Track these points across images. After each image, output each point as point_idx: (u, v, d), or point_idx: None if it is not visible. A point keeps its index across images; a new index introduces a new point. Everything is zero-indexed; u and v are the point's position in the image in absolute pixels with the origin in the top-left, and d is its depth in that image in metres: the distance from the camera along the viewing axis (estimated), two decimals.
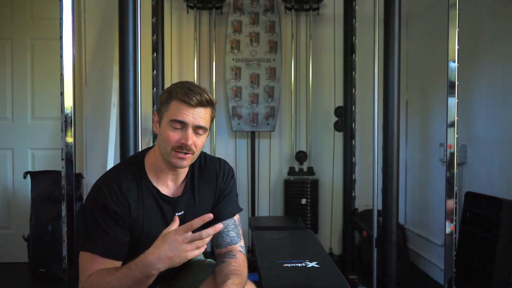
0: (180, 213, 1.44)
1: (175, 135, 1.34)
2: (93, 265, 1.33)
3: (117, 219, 1.35)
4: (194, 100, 1.33)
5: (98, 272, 1.32)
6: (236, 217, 1.59)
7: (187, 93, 1.33)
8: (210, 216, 1.23)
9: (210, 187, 1.52)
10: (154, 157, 1.43)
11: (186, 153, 1.36)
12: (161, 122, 1.38)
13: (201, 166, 1.52)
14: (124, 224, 1.36)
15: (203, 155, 1.55)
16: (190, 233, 1.21)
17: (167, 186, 1.44)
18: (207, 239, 1.23)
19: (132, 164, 1.44)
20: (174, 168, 1.40)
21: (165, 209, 1.43)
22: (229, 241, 1.51)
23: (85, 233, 1.37)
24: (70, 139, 2.13)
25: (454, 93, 2.26)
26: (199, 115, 1.35)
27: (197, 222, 1.21)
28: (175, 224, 1.27)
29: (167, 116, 1.35)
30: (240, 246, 1.51)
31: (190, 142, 1.34)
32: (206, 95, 1.36)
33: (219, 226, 1.25)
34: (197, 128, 1.36)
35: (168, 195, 1.44)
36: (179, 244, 1.21)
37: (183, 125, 1.34)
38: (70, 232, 2.12)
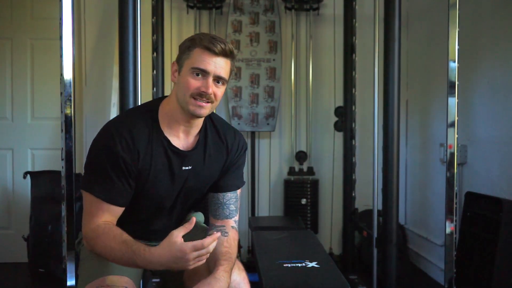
0: (187, 168, 1.43)
1: (195, 83, 1.33)
2: (98, 210, 1.35)
3: (125, 168, 1.33)
4: (218, 48, 1.33)
5: (105, 230, 1.32)
6: (238, 190, 1.58)
7: (211, 41, 1.34)
8: (218, 235, 1.31)
9: (221, 154, 1.50)
10: (168, 106, 1.41)
11: (206, 102, 1.35)
12: (181, 70, 1.36)
13: (217, 130, 1.51)
14: (131, 173, 1.35)
15: (220, 119, 1.56)
16: (196, 246, 1.22)
17: (178, 138, 1.42)
18: (212, 248, 1.25)
19: (146, 112, 1.41)
20: (189, 118, 1.39)
21: (173, 161, 1.41)
22: (227, 214, 1.51)
23: (89, 174, 1.36)
24: (70, 139, 2.13)
25: (454, 93, 2.26)
26: (221, 65, 1.34)
27: (208, 241, 1.23)
28: (189, 226, 1.26)
29: (188, 64, 1.34)
30: (234, 221, 1.52)
31: (210, 91, 1.33)
32: (229, 45, 1.37)
33: (216, 235, 1.27)
34: (217, 78, 1.35)
35: (179, 147, 1.41)
36: (184, 257, 1.22)
37: (205, 73, 1.33)
38: (70, 232, 2.12)
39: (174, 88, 1.40)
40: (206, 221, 1.62)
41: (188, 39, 1.39)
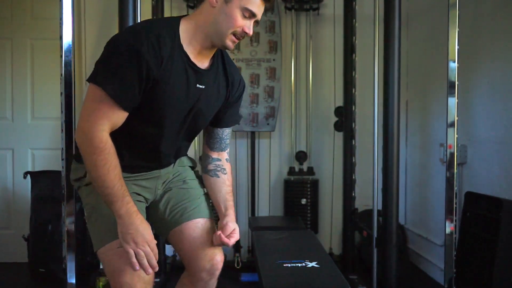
0: (201, 86, 1.44)
1: (243, 22, 1.37)
2: (107, 111, 1.30)
3: (145, 73, 1.30)
4: None
5: (111, 151, 1.30)
6: None
7: None
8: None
9: (226, 86, 1.55)
10: (191, 26, 1.40)
11: (239, 40, 1.41)
12: (229, 3, 1.36)
13: (224, 61, 1.54)
14: (148, 80, 1.32)
15: (228, 54, 1.58)
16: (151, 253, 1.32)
17: (195, 56, 1.42)
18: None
19: (169, 25, 1.39)
20: (213, 45, 1.41)
21: (190, 76, 1.41)
22: (223, 147, 1.64)
23: (103, 69, 1.30)
24: (70, 139, 2.14)
25: (454, 93, 2.27)
26: (262, 12, 1.40)
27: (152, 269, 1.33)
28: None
29: (241, 2, 1.35)
30: (227, 154, 1.66)
31: (251, 33, 1.39)
32: None
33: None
34: (255, 22, 1.40)
35: (196, 64, 1.42)
36: (141, 244, 1.31)
37: (252, 16, 1.37)
38: (70, 232, 2.13)
39: (206, 11, 1.40)
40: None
41: None
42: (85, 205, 1.51)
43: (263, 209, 3.51)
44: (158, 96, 1.36)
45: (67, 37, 2.11)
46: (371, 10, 2.62)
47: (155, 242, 1.35)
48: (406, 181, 3.51)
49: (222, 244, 1.53)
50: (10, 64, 3.35)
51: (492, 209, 2.34)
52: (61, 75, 2.11)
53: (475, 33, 2.67)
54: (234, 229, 1.55)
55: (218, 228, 1.57)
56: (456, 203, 2.28)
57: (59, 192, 2.18)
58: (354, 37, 3.17)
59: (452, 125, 2.27)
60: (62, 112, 2.13)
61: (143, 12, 2.27)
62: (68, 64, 2.12)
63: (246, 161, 3.47)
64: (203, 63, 1.44)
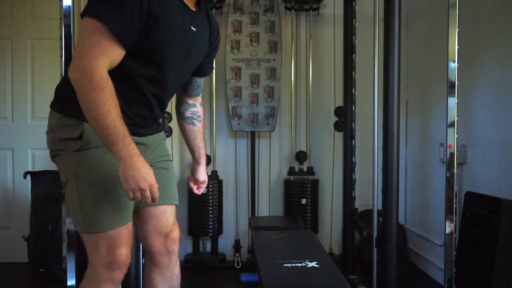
0: (194, 29, 1.44)
1: None
2: (100, 39, 1.22)
3: (146, 7, 1.26)
4: None
5: (112, 89, 1.24)
6: None
7: None
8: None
9: (210, 32, 1.58)
10: None
11: None
12: None
13: (208, 10, 1.57)
14: (148, 15, 1.27)
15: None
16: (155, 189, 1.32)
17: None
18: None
19: None
20: None
21: (185, 18, 1.40)
22: (198, 92, 1.75)
23: (101, 1, 1.25)
24: None
25: (454, 93, 2.27)
26: None
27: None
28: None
29: None
30: (200, 97, 1.79)
31: None
32: None
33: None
34: None
35: (188, 5, 1.43)
36: (143, 184, 1.28)
37: None
38: (70, 232, 2.13)
39: None
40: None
41: None
42: (74, 176, 1.38)
43: (263, 209, 3.51)
44: (158, 35, 1.32)
45: (67, 37, 2.11)
46: (371, 10, 2.62)
47: (157, 185, 1.32)
48: (406, 181, 3.51)
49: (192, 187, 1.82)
50: (10, 64, 3.36)
51: (492, 209, 2.35)
52: (61, 75, 2.11)
53: (475, 33, 2.67)
54: (204, 181, 1.82)
55: (191, 173, 1.83)
56: (456, 203, 2.28)
57: (59, 192, 2.18)
58: (354, 37, 3.17)
59: (452, 125, 2.27)
60: None
61: None
62: (68, 64, 2.12)
63: (246, 161, 3.47)
64: (192, 6, 1.44)
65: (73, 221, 1.45)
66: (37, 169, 3.27)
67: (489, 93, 2.57)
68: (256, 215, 3.42)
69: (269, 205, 3.54)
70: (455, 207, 2.28)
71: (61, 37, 2.10)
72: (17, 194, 3.36)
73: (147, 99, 1.45)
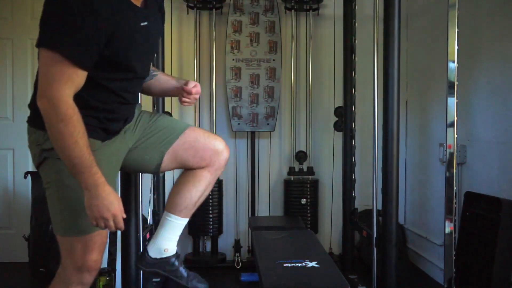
0: (144, 24, 1.42)
1: None
2: (61, 67, 1.22)
3: (100, 23, 1.23)
4: None
5: (79, 118, 1.26)
6: None
7: None
8: None
9: (160, 15, 1.62)
10: None
11: None
12: None
13: None
14: (104, 31, 1.25)
15: None
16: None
17: None
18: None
19: None
20: None
21: (137, 18, 1.39)
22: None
23: (54, 27, 1.23)
24: None
25: (454, 93, 2.27)
26: None
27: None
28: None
29: None
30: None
31: None
32: None
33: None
34: None
35: (135, 3, 1.40)
36: (107, 214, 1.31)
37: None
38: None
39: None
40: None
41: None
42: (55, 182, 1.42)
43: (263, 209, 3.51)
44: (118, 46, 1.32)
45: None
46: (371, 10, 2.63)
47: (123, 215, 1.35)
48: (406, 181, 3.51)
49: (188, 103, 1.66)
50: (10, 64, 3.36)
51: (492, 209, 2.35)
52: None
53: (474, 33, 2.67)
54: (195, 85, 1.66)
55: (179, 94, 1.68)
56: (455, 203, 2.28)
57: None
58: (354, 37, 3.17)
59: (451, 125, 2.27)
60: None
61: None
62: None
63: (246, 161, 3.47)
64: (138, 3, 1.43)
65: (52, 224, 1.48)
66: None
67: (488, 93, 2.57)
68: (256, 215, 3.42)
69: (269, 205, 3.54)
70: (455, 207, 2.28)
71: None
72: (18, 194, 3.36)
73: (121, 96, 1.48)
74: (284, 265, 1.83)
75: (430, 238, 3.12)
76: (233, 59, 3.33)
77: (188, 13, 3.42)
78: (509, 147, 2.39)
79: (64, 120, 1.23)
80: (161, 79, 1.72)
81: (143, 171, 1.86)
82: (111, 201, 1.32)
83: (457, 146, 2.29)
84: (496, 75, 2.52)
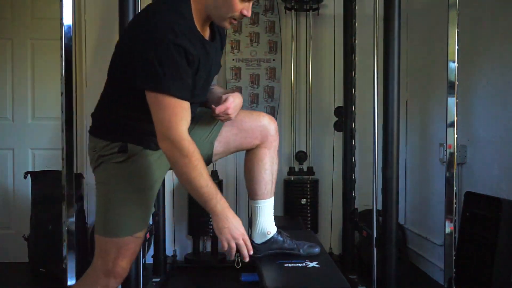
0: (213, 58, 1.52)
1: (241, 6, 1.40)
2: (174, 109, 1.35)
3: (191, 60, 1.35)
4: None
5: (197, 150, 1.38)
6: None
7: None
8: None
9: (220, 46, 1.64)
10: (201, 7, 1.43)
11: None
12: None
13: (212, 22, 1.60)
14: (193, 65, 1.38)
15: None
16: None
17: (201, 31, 1.46)
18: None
19: (181, 6, 1.40)
20: (210, 20, 1.48)
21: (207, 51, 1.47)
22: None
23: (160, 72, 1.32)
24: (70, 139, 2.14)
25: (454, 93, 2.27)
26: None
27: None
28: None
29: None
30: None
31: (249, 15, 1.42)
32: None
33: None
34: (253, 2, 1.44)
35: (205, 38, 1.48)
36: (234, 238, 1.46)
37: None
38: (70, 232, 2.13)
39: None
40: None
41: None
42: (106, 184, 1.52)
43: None
44: (197, 76, 1.43)
45: (67, 37, 2.11)
46: (371, 10, 2.63)
47: (247, 235, 1.49)
48: (406, 181, 3.51)
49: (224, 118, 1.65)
50: (10, 64, 3.36)
51: (492, 209, 2.35)
52: (61, 75, 2.11)
53: (474, 34, 2.67)
54: (227, 98, 1.63)
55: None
56: (455, 203, 2.28)
57: (59, 192, 2.18)
58: (354, 37, 3.17)
59: (451, 125, 2.27)
60: (62, 112, 2.13)
61: None
62: (68, 64, 2.12)
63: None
64: (206, 35, 1.50)
65: (95, 224, 1.58)
66: (37, 169, 3.27)
67: (489, 93, 2.57)
68: None
69: None
70: (455, 207, 2.28)
71: (61, 37, 2.10)
72: (17, 194, 3.36)
73: None
74: (284, 265, 1.83)
75: (430, 238, 3.12)
76: (233, 59, 3.33)
77: None
78: (509, 147, 2.39)
79: (188, 155, 1.37)
80: (210, 95, 1.72)
81: None
82: (239, 221, 1.47)
83: (457, 146, 2.28)
84: (496, 75, 2.52)
